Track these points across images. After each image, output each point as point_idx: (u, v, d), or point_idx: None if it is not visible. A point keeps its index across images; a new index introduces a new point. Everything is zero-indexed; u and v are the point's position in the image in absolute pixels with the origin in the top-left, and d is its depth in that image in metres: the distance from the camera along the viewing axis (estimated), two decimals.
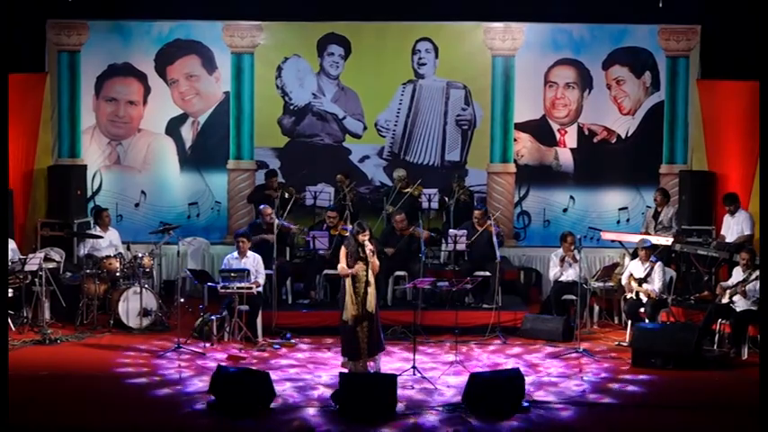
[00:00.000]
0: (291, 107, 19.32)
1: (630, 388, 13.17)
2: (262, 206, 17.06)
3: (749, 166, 17.58)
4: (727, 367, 14.22)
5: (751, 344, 14.73)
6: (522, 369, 12.96)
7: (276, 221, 16.56)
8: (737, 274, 15.06)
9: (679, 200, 18.39)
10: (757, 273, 14.67)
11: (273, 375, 12.62)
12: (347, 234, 13.98)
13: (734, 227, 16.78)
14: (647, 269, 15.75)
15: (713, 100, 18.58)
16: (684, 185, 18.44)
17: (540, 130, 19.36)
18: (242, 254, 15.69)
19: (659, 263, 15.80)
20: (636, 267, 15.92)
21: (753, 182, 17.43)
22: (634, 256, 16.69)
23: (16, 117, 17.20)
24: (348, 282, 13.12)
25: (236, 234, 16.09)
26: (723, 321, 14.96)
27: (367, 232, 13.22)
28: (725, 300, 14.94)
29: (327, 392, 12.45)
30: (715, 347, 14.91)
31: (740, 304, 14.79)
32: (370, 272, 13.15)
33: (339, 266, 13.31)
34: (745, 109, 17.66)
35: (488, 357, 14.73)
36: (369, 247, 13.16)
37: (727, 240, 16.74)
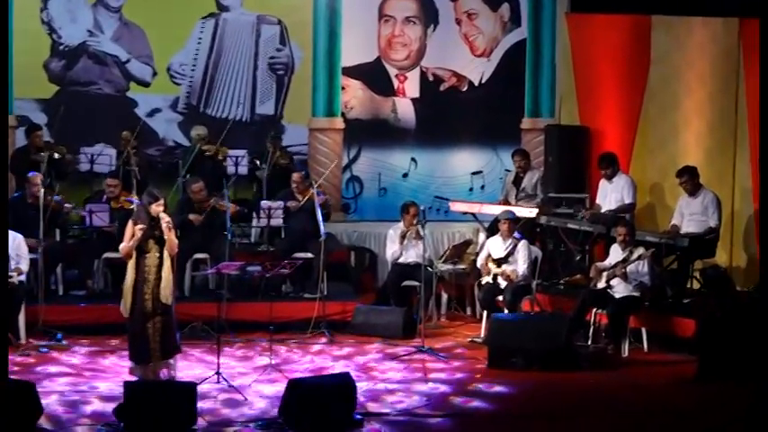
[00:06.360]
0: (61, 48, 19.08)
1: (486, 393, 13.32)
2: (31, 173, 16.75)
3: (630, 120, 17.90)
4: (603, 366, 14.46)
5: (632, 338, 14.99)
6: (352, 374, 13.02)
7: (47, 197, 16.16)
8: (616, 253, 15.27)
9: (545, 162, 18.61)
10: (640, 251, 14.90)
11: (39, 387, 12.41)
12: (132, 207, 13.83)
13: (611, 194, 17.02)
14: (509, 247, 15.91)
15: (585, 38, 18.80)
16: (551, 144, 18.66)
17: (374, 76, 19.46)
18: None
19: (524, 240, 15.97)
20: (495, 245, 16.06)
21: (634, 139, 17.76)
22: (491, 231, 16.89)
23: None
24: (131, 265, 12.97)
25: None
26: (599, 310, 15.21)
27: (161, 201, 13.06)
28: (601, 284, 15.15)
29: (109, 407, 12.31)
30: (589, 342, 15.17)
31: (619, 289, 15.02)
32: (165, 252, 13.00)
33: (121, 246, 13.15)
34: (624, 49, 17.97)
35: (311, 360, 14.78)
36: (165, 219, 13.00)
37: (603, 211, 16.98)
